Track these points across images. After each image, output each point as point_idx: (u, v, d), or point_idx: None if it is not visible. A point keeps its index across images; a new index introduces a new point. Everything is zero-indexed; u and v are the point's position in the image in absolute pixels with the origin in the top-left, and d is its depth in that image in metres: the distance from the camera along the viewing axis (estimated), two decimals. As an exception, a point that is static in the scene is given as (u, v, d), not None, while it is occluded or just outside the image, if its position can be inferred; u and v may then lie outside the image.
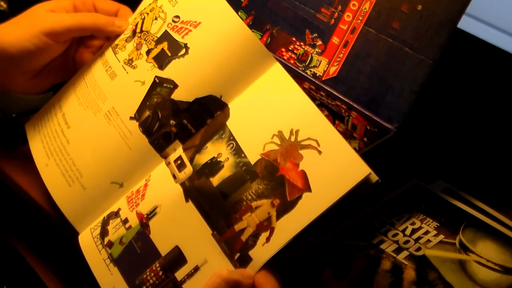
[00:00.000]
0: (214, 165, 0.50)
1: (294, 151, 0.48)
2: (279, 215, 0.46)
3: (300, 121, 0.49)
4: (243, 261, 0.47)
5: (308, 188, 0.46)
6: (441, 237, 0.56)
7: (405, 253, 0.55)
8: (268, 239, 0.46)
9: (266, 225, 0.47)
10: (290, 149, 0.48)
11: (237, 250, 0.47)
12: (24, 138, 0.61)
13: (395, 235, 0.57)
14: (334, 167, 0.46)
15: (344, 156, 0.46)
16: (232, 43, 0.53)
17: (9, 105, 0.66)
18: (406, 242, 0.56)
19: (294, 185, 0.47)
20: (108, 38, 0.61)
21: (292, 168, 0.47)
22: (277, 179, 0.48)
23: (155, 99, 0.54)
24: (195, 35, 0.54)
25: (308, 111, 0.49)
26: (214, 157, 0.51)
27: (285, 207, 0.47)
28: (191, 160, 0.52)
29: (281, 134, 0.49)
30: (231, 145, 0.50)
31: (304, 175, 0.47)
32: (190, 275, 0.48)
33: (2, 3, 0.78)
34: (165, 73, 0.55)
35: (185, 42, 0.55)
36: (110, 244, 0.53)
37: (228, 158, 0.50)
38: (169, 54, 0.55)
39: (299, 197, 0.46)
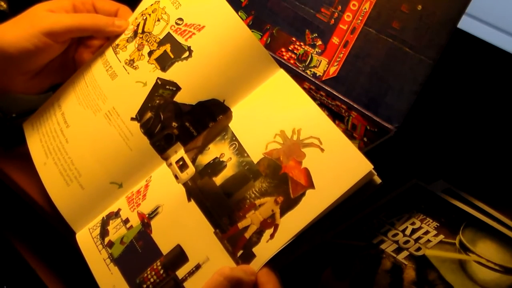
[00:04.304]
0: (216, 165, 0.51)
1: (296, 150, 0.48)
2: (283, 212, 0.47)
3: (302, 120, 0.49)
4: (246, 258, 0.47)
5: (311, 185, 0.47)
6: (441, 237, 0.56)
7: (405, 253, 0.55)
8: (272, 236, 0.47)
9: (270, 222, 0.47)
10: (293, 148, 0.49)
11: (240, 247, 0.47)
12: (24, 138, 0.61)
13: (395, 235, 0.57)
14: (337, 164, 0.47)
15: (347, 153, 0.47)
16: (236, 48, 0.53)
17: (9, 105, 0.66)
18: (406, 242, 0.56)
19: (297, 183, 0.47)
20: (108, 38, 0.61)
21: (295, 166, 0.48)
22: (280, 177, 0.48)
23: (157, 101, 0.54)
24: (199, 38, 0.54)
25: (310, 110, 0.50)
26: (216, 157, 0.51)
27: (288, 204, 0.47)
28: (193, 161, 0.52)
29: (283, 133, 0.49)
30: (234, 145, 0.51)
31: (307, 172, 0.47)
32: (191, 273, 0.49)
33: (2, 3, 0.78)
34: (167, 75, 0.55)
35: (188, 45, 0.55)
36: (110, 244, 0.53)
37: (230, 158, 0.50)
38: (172, 56, 0.55)
39: (303, 194, 0.47)
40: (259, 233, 0.47)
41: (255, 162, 0.49)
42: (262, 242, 0.47)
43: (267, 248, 0.46)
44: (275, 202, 0.47)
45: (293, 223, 0.46)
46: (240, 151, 0.50)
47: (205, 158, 0.52)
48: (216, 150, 0.52)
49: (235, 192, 0.49)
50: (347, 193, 0.46)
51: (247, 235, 0.47)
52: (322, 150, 0.48)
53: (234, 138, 0.51)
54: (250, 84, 0.53)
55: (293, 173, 0.48)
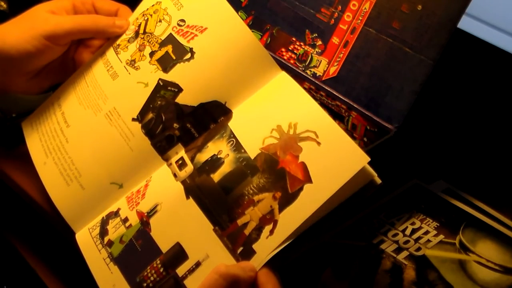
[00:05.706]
0: (214, 162, 0.51)
1: (293, 144, 0.48)
2: (281, 208, 0.47)
3: (298, 114, 0.49)
4: (246, 254, 0.47)
5: (308, 179, 0.47)
6: (441, 237, 0.56)
7: (405, 253, 0.55)
8: (271, 232, 0.47)
9: (269, 218, 0.47)
10: (289, 142, 0.49)
11: (240, 244, 0.47)
12: (24, 138, 0.61)
13: (395, 235, 0.57)
14: (334, 157, 0.47)
15: (343, 146, 0.47)
16: (239, 50, 0.53)
17: (9, 105, 0.66)
18: (406, 242, 0.56)
19: (294, 177, 0.47)
20: (109, 38, 0.61)
21: (292, 160, 0.48)
22: (277, 172, 0.48)
23: (159, 102, 0.54)
24: (201, 40, 0.55)
25: (305, 104, 0.50)
26: (214, 154, 0.51)
27: (287, 199, 0.47)
28: (192, 159, 0.52)
29: (279, 128, 0.49)
30: (231, 142, 0.51)
31: (304, 166, 0.47)
32: (191, 270, 0.49)
33: (2, 3, 0.78)
34: (169, 76, 0.55)
35: (190, 47, 0.55)
36: (110, 243, 0.53)
37: (228, 155, 0.50)
38: (174, 58, 0.55)
39: (301, 189, 0.47)
40: (258, 230, 0.47)
41: (252, 157, 0.50)
42: (261, 238, 0.47)
43: (267, 245, 0.46)
44: (273, 198, 0.47)
45: (292, 218, 0.46)
46: (237, 147, 0.50)
47: (203, 156, 0.52)
48: (214, 147, 0.52)
49: (233, 189, 0.49)
50: (345, 187, 0.45)
51: (247, 231, 0.47)
52: (318, 143, 0.48)
53: (232, 135, 0.51)
54: (251, 86, 0.53)
55: (290, 167, 0.48)
